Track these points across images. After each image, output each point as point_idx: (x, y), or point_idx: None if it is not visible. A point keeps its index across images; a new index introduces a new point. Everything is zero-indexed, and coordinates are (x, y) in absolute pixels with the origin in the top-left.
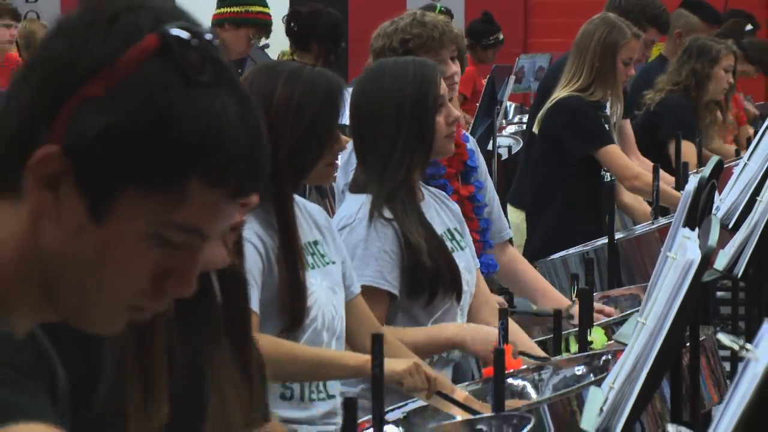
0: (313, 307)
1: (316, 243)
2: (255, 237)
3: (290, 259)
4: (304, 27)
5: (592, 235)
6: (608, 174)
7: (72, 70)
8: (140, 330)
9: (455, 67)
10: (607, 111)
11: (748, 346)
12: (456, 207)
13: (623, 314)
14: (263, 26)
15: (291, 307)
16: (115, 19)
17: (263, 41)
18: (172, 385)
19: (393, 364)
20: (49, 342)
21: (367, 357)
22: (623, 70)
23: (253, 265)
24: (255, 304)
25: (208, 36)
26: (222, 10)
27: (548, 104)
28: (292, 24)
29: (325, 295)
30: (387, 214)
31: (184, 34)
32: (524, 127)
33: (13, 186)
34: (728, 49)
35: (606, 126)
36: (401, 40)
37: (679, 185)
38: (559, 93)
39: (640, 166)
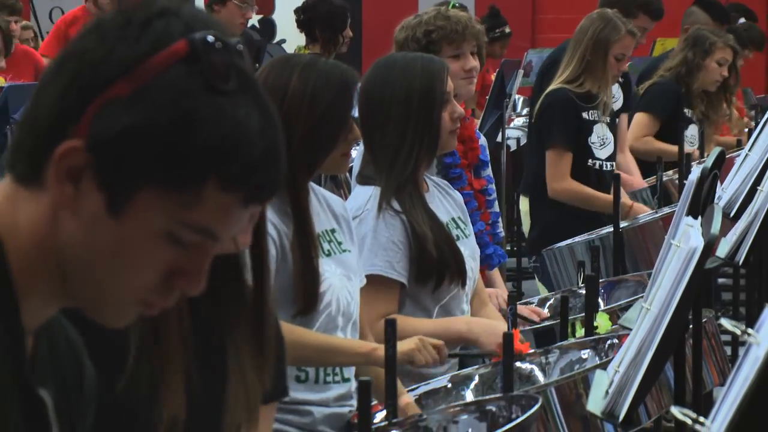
0: (327, 292)
1: (333, 231)
2: (270, 225)
3: (304, 246)
4: (308, 14)
5: (590, 223)
6: (597, 163)
7: (101, 69)
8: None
9: (474, 62)
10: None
11: (749, 330)
12: (458, 196)
13: (628, 300)
14: None
15: (304, 293)
16: (149, 23)
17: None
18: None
19: (400, 346)
20: (75, 331)
21: (375, 345)
22: (615, 65)
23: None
24: None
25: (236, 45)
26: None
27: (542, 95)
28: (300, 13)
29: (340, 281)
30: (395, 205)
31: (212, 42)
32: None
33: (38, 177)
34: (725, 43)
35: (582, 124)
36: (425, 31)
37: (682, 173)
38: (553, 85)
39: (624, 162)
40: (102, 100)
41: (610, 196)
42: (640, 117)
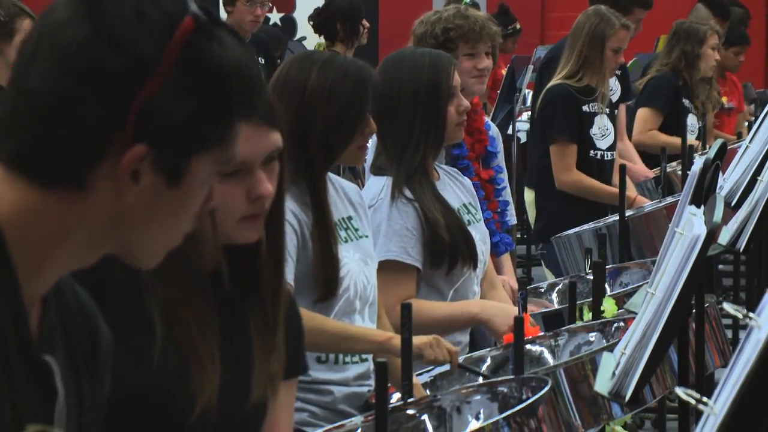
0: (345, 277)
1: (350, 218)
2: (290, 214)
3: (323, 234)
4: (326, 12)
5: (594, 213)
6: (598, 153)
7: (128, 77)
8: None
9: (487, 62)
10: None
11: (751, 315)
12: (468, 182)
13: (634, 285)
14: None
15: (324, 279)
16: (142, 15)
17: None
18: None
19: (415, 339)
20: (88, 295)
21: (390, 334)
22: (612, 58)
23: (288, 240)
24: (290, 277)
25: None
26: None
27: (543, 91)
28: (317, 16)
29: (357, 266)
30: (407, 194)
31: (197, 7)
32: None
33: (77, 180)
34: (712, 30)
35: (582, 117)
36: (444, 28)
37: (685, 165)
38: (553, 81)
39: (625, 150)
40: (140, 103)
41: (613, 188)
42: (643, 112)
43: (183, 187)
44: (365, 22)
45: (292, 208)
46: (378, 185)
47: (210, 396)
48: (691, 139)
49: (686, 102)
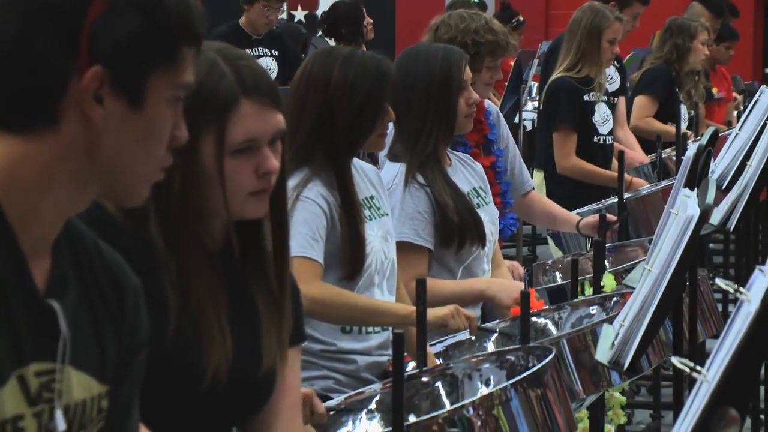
0: (369, 255)
1: (372, 198)
2: (320, 197)
3: (350, 216)
4: (330, 19)
5: (597, 196)
6: (601, 138)
7: (73, 5)
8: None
9: (500, 74)
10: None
11: (741, 289)
12: (479, 167)
13: (632, 262)
14: None
15: (351, 257)
16: None
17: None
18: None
19: (437, 311)
20: (119, 255)
21: (412, 308)
22: (608, 49)
23: (319, 222)
24: (320, 257)
25: None
26: None
27: (547, 83)
28: (323, 23)
29: (379, 243)
30: (420, 179)
31: None
32: None
33: (47, 115)
34: (703, 26)
35: (584, 106)
36: (474, 41)
37: (679, 151)
38: (555, 73)
39: (625, 138)
40: (88, 28)
41: (610, 172)
42: (640, 99)
43: (146, 109)
44: (368, 21)
45: (321, 192)
46: (393, 171)
47: (220, 365)
48: (682, 128)
49: (678, 91)
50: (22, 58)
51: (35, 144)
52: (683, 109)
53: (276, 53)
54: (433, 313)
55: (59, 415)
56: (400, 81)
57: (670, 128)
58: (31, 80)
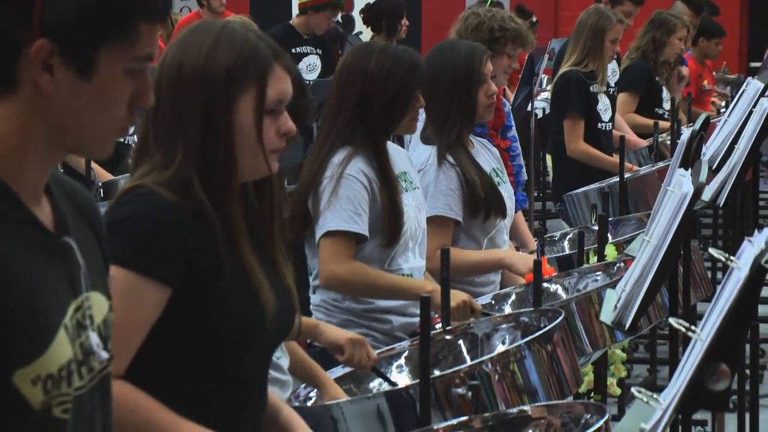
0: (405, 222)
1: (405, 173)
2: (361, 174)
3: (389, 188)
4: (374, 10)
5: (602, 176)
6: (603, 125)
7: None
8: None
9: (517, 63)
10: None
11: (732, 258)
12: (496, 151)
13: (632, 234)
14: (337, 7)
15: (390, 226)
16: None
17: (355, 30)
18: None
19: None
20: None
21: (434, 285)
22: (610, 47)
23: (361, 197)
24: (365, 228)
25: None
26: (303, 0)
27: (557, 76)
28: (366, 12)
29: (414, 212)
30: (450, 159)
31: None
32: None
33: (12, 84)
34: (683, 24)
35: (591, 96)
36: (501, 27)
37: (674, 136)
38: (563, 68)
39: (621, 124)
40: (40, 3)
41: (612, 159)
42: (622, 96)
43: (95, 80)
44: (405, 21)
45: (362, 168)
46: (426, 152)
47: (272, 306)
48: (665, 107)
49: (657, 79)
50: None
51: (4, 106)
52: (666, 92)
53: (320, 51)
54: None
55: (93, 336)
56: (428, 73)
57: (648, 121)
58: None
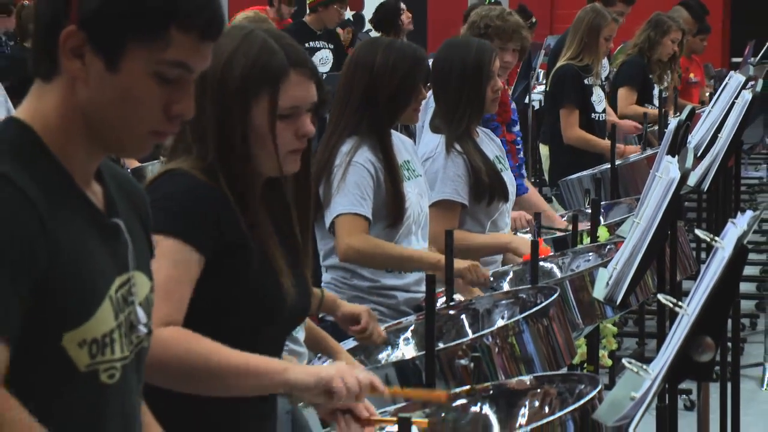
0: (408, 208)
1: (408, 161)
2: (368, 162)
3: (392, 175)
4: (378, 15)
5: (594, 163)
6: (596, 115)
7: None
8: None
9: (510, 57)
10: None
11: (716, 238)
12: (498, 140)
13: (623, 217)
14: (344, 1)
15: (394, 210)
16: None
17: (365, 27)
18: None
19: (457, 263)
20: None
21: (440, 256)
22: (604, 44)
23: (367, 184)
24: (369, 212)
25: None
26: None
27: (553, 69)
28: (373, 20)
29: (416, 198)
30: (458, 148)
31: None
32: None
33: (56, 67)
34: (678, 27)
35: (585, 88)
36: (486, 24)
37: (661, 126)
38: (560, 62)
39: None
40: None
41: (606, 142)
42: (623, 91)
43: (121, 75)
44: (406, 15)
45: (369, 157)
46: (435, 140)
47: (291, 289)
48: (656, 103)
49: (651, 77)
50: (37, 12)
51: (50, 90)
52: (656, 89)
53: (331, 46)
54: (454, 264)
55: (140, 310)
56: (441, 65)
57: (652, 111)
58: (40, 34)
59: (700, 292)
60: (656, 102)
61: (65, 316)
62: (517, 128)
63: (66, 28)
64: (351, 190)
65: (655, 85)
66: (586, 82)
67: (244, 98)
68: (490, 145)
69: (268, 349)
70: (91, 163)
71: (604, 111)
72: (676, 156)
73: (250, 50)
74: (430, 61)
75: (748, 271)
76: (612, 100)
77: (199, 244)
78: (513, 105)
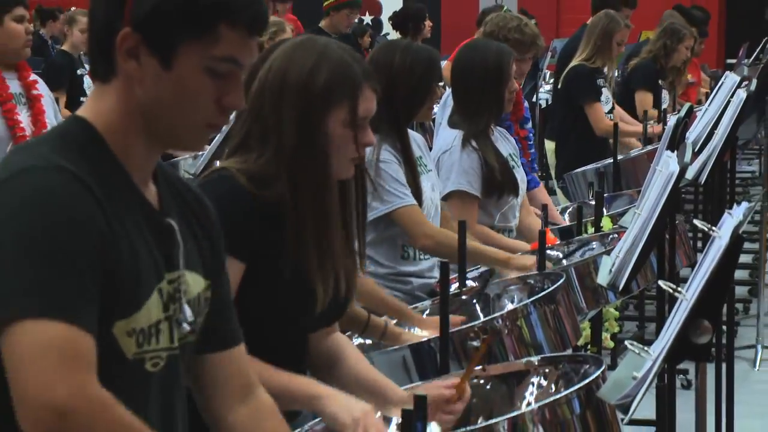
0: (423, 200)
1: (421, 158)
2: (392, 156)
3: (411, 170)
4: (401, 15)
5: (597, 158)
6: (607, 115)
7: None
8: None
9: (526, 66)
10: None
11: (714, 228)
12: (512, 139)
13: (625, 208)
14: (354, 6)
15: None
16: None
17: (382, 31)
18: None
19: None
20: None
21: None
22: (616, 48)
23: (401, 173)
24: (413, 200)
25: None
26: (327, 2)
27: (566, 69)
28: (395, 17)
29: (429, 191)
30: (473, 144)
31: None
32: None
33: (114, 69)
34: (691, 34)
35: (599, 87)
36: (504, 37)
37: (663, 123)
38: (573, 62)
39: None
40: (131, 4)
41: (634, 127)
42: (641, 94)
43: (175, 72)
44: (428, 22)
45: (392, 152)
46: (452, 135)
47: (323, 300)
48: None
49: (661, 82)
50: (93, 16)
51: (109, 91)
52: (665, 93)
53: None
54: (521, 261)
55: (187, 309)
56: (462, 66)
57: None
58: (96, 37)
59: (698, 278)
60: (664, 104)
61: (118, 306)
62: (529, 125)
63: (121, 30)
64: (395, 186)
65: (664, 91)
66: (598, 83)
67: (326, 105)
68: (505, 143)
69: (289, 348)
70: (149, 161)
71: (611, 111)
72: (675, 151)
73: (332, 62)
74: (443, 63)
75: (742, 258)
76: (620, 100)
77: (239, 254)
78: (525, 103)
